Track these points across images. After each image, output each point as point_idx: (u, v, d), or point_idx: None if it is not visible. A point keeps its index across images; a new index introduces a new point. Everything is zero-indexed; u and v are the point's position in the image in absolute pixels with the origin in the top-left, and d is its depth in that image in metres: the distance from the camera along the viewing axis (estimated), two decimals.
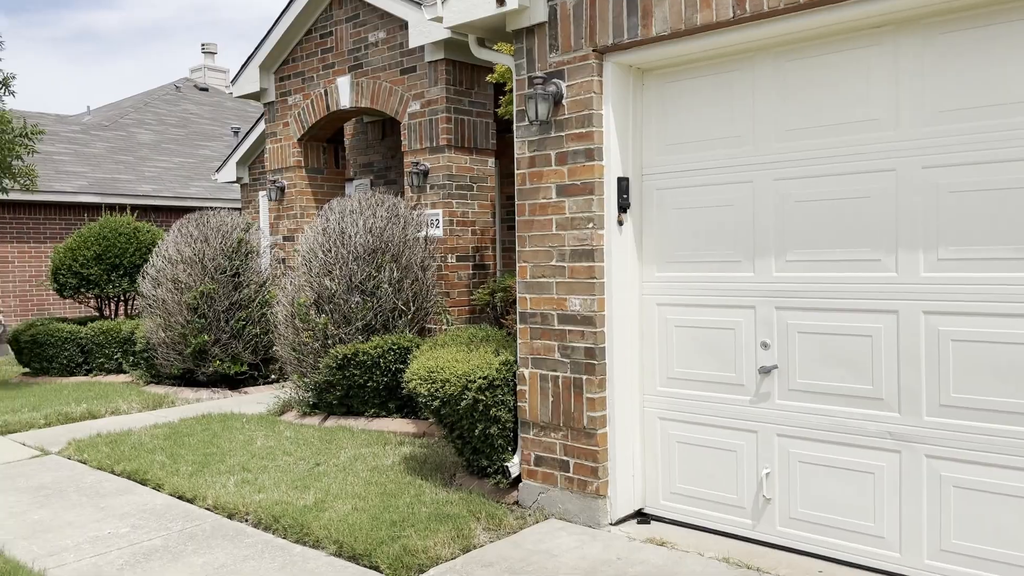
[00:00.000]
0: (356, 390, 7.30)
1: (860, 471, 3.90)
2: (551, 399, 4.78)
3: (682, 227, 4.53)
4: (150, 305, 9.32)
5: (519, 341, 4.98)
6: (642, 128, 4.70)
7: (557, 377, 4.75)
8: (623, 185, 4.61)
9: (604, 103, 4.57)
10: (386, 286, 7.44)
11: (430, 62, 8.46)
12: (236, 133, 20.62)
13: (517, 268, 4.98)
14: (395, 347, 7.18)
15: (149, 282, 9.36)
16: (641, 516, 4.74)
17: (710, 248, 4.43)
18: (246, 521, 4.89)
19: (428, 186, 8.52)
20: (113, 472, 6.01)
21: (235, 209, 19.18)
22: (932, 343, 3.67)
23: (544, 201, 4.79)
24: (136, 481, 5.78)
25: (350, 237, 7.50)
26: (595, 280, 4.56)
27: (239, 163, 13.94)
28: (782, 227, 4.13)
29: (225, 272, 9.21)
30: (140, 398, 8.81)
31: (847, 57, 3.89)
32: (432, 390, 5.04)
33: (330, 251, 7.50)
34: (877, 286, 3.81)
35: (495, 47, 5.24)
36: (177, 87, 25.27)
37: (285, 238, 10.28)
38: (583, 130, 4.57)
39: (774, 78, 4.14)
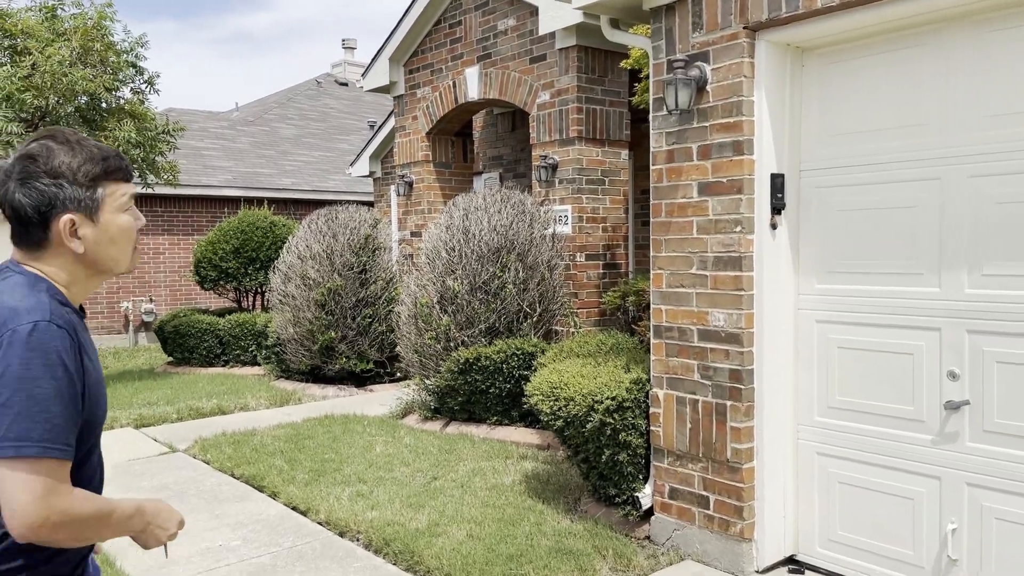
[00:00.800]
0: (478, 396, 6.96)
1: None
2: (689, 426, 4.22)
3: (848, 232, 3.85)
4: (280, 300, 9.36)
5: (652, 358, 4.44)
6: (800, 117, 4.05)
7: (696, 401, 4.18)
8: (777, 183, 3.98)
9: (756, 88, 3.95)
10: (510, 287, 7.05)
11: (560, 49, 7.98)
12: (372, 127, 20.88)
13: (651, 275, 4.44)
14: (519, 352, 6.78)
15: (279, 277, 9.40)
16: (793, 564, 4.12)
17: (884, 257, 3.74)
18: (357, 541, 4.61)
19: (557, 180, 8.06)
20: (233, 475, 5.93)
21: (368, 203, 19.45)
22: None
23: (683, 201, 4.22)
24: (254, 487, 5.66)
25: (474, 235, 7.15)
26: (742, 292, 3.96)
27: (372, 157, 13.98)
28: (978, 234, 3.40)
29: (352, 268, 9.11)
30: (268, 394, 8.85)
31: None
32: (555, 408, 4.59)
33: (453, 249, 7.19)
34: None
35: (630, 29, 4.71)
36: (318, 82, 25.97)
37: (413, 234, 10.10)
38: (730, 119, 3.97)
39: (972, 53, 3.40)
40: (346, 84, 26.74)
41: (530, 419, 6.94)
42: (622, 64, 6.80)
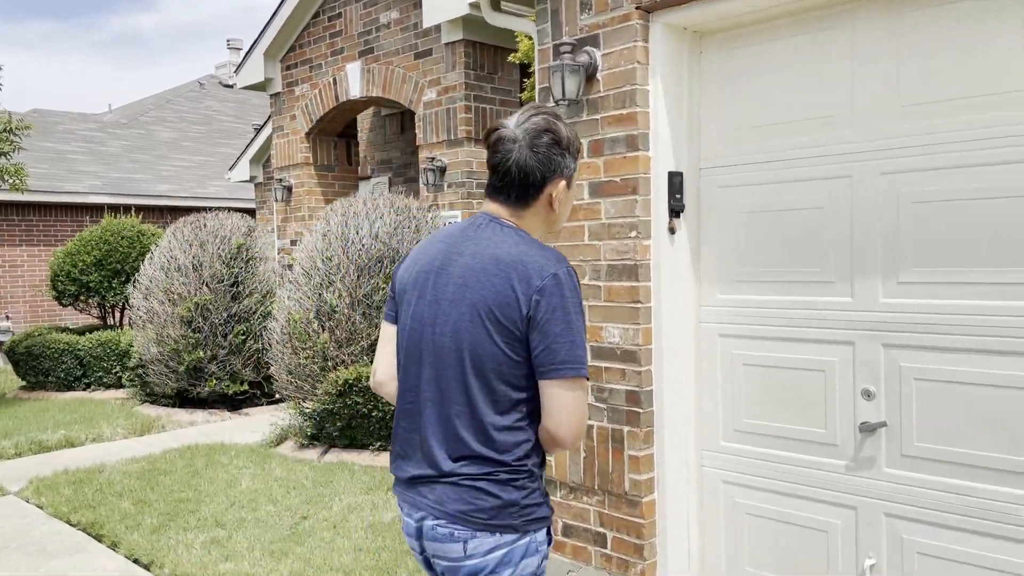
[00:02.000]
0: (360, 420, 6.35)
1: (1012, 573, 2.83)
2: (583, 455, 3.76)
3: (753, 236, 3.48)
4: (143, 317, 8.47)
5: None
6: (699, 109, 3.66)
7: (591, 427, 3.73)
8: (675, 182, 3.58)
9: (650, 76, 3.53)
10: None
11: (447, 44, 7.48)
12: (258, 130, 19.88)
13: None
14: None
15: (140, 292, 8.51)
16: None
17: (792, 264, 3.38)
18: None
19: (446, 184, 7.55)
20: (69, 522, 5.12)
21: (251, 210, 18.46)
22: None
23: (574, 202, 3.76)
24: (92, 536, 4.88)
25: (354, 243, 6.54)
26: (639, 304, 3.53)
27: (253, 160, 13.13)
28: (894, 237, 3.06)
29: (223, 281, 8.32)
30: (128, 421, 7.96)
31: (999, 4, 2.80)
32: None
33: (331, 259, 6.56)
34: None
35: (516, 11, 4.24)
36: (201, 84, 24.64)
37: (293, 242, 9.38)
38: (623, 111, 3.54)
39: (884, 37, 3.07)
40: (231, 86, 25.46)
41: None
42: (511, 58, 6.36)
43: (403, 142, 10.74)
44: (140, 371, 8.87)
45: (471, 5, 6.94)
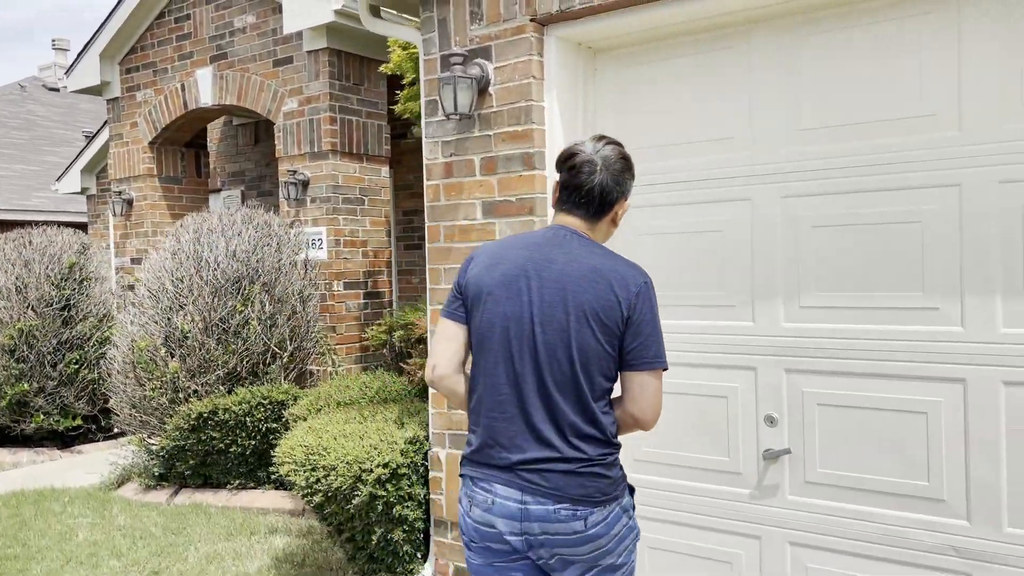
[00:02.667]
0: (216, 457, 5.81)
1: None
2: None
3: (653, 259, 3.38)
4: None
5: (432, 410, 3.70)
6: (594, 127, 3.53)
7: None
8: None
9: (546, 92, 3.38)
10: (255, 323, 5.99)
11: (310, 52, 7.08)
12: (88, 137, 18.37)
13: (429, 311, 3.71)
14: (266, 401, 5.74)
15: None
16: None
17: (693, 288, 3.30)
18: None
19: (309, 199, 7.11)
20: None
21: (82, 225, 17.03)
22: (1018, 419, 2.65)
23: (466, 223, 3.54)
24: None
25: (208, 263, 6.01)
26: None
27: (85, 171, 12.04)
28: (794, 261, 3.04)
29: (52, 304, 7.47)
30: None
31: (897, 29, 2.83)
32: (312, 481, 3.69)
33: (182, 280, 5.99)
34: (937, 344, 2.76)
35: (397, 19, 3.97)
36: (22, 87, 22.58)
37: (134, 260, 8.59)
38: (519, 128, 3.36)
39: (780, 59, 3.06)
40: (58, 90, 23.50)
41: (281, 479, 5.91)
42: (381, 69, 6.07)
43: (257, 153, 10.14)
44: None
45: (337, 12, 6.61)
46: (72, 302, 7.57)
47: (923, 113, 2.76)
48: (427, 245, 3.69)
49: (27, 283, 7.35)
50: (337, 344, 6.94)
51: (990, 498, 2.67)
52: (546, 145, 3.36)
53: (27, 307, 7.32)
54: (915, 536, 2.82)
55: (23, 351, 7.28)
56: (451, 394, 2.17)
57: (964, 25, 2.69)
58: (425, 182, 3.68)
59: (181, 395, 5.90)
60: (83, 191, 12.12)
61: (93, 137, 11.89)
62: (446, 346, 2.14)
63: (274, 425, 5.74)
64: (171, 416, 5.87)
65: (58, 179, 12.46)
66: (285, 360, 6.23)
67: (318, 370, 6.81)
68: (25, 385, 7.22)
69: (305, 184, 7.12)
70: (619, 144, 2.13)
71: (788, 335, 3.05)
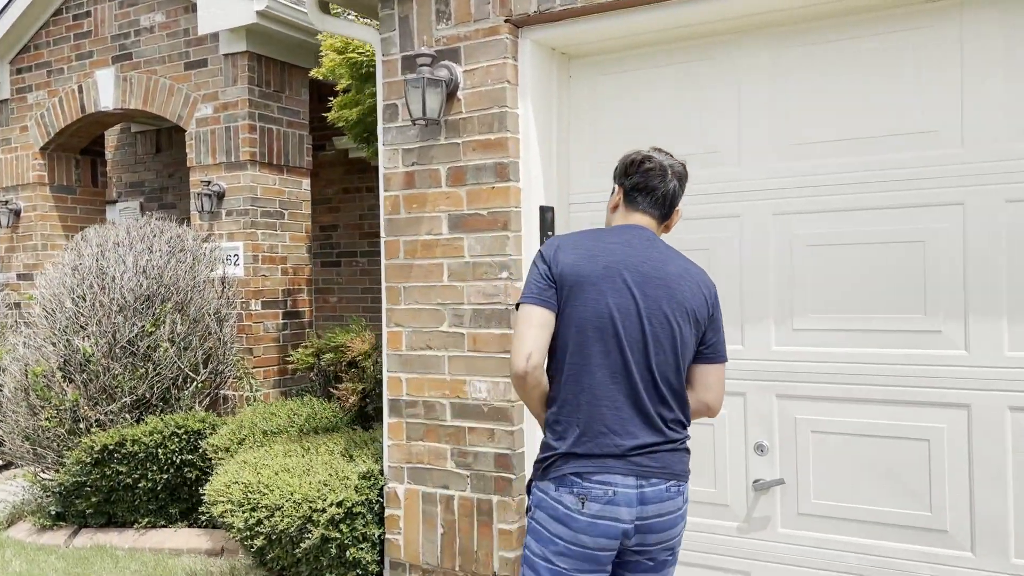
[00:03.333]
0: (122, 493, 5.25)
1: None
2: (441, 530, 3.23)
3: None
4: None
5: (389, 442, 3.39)
6: (569, 137, 3.34)
7: (451, 498, 3.21)
8: (548, 218, 3.21)
9: (520, 99, 3.15)
10: (166, 346, 5.48)
11: (227, 55, 6.63)
12: None
13: (386, 334, 3.40)
14: (180, 431, 5.24)
15: None
16: None
17: None
18: None
19: (224, 212, 6.63)
20: None
21: None
22: None
23: (430, 238, 3.27)
24: None
25: (114, 279, 5.46)
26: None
27: None
28: (787, 281, 2.91)
29: None
30: None
31: (897, 40, 2.75)
32: (251, 522, 3.30)
33: (84, 299, 5.42)
34: (940, 368, 2.67)
35: (344, 16, 3.67)
36: None
37: (20, 276, 7.83)
38: (491, 136, 3.12)
39: (770, 69, 2.94)
40: None
41: (196, 516, 5.40)
42: (312, 74, 5.70)
43: (159, 163, 9.51)
44: None
45: (260, 14, 6.21)
46: None
47: (925, 129, 2.69)
48: (384, 261, 3.39)
49: None
50: (254, 367, 6.47)
51: (996, 528, 2.58)
52: (520, 155, 3.13)
53: None
54: (915, 569, 2.71)
55: None
56: (537, 386, 2.12)
57: (966, 46, 2.63)
58: (382, 192, 3.39)
59: (82, 425, 5.32)
60: None
61: None
62: (538, 333, 2.08)
63: (189, 457, 5.24)
64: (70, 449, 5.29)
65: None
66: (198, 384, 5.73)
67: (234, 395, 6.32)
68: None
69: (220, 196, 6.64)
70: (674, 155, 2.29)
71: (779, 359, 2.91)
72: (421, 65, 3.09)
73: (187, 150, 6.86)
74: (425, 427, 3.27)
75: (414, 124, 3.19)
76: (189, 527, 5.33)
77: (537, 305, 2.09)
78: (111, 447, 5.09)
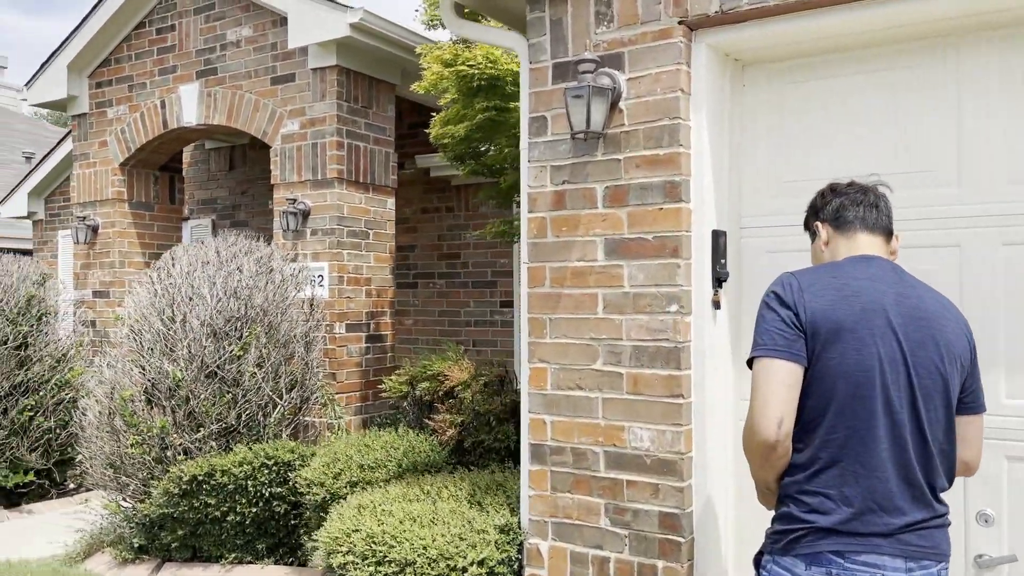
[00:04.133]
0: (209, 526, 4.97)
1: None
2: None
3: None
4: None
5: (530, 492, 3.03)
6: (741, 153, 2.97)
7: (606, 560, 2.84)
8: (720, 243, 2.85)
9: (694, 110, 2.80)
10: (254, 371, 5.21)
11: (316, 69, 6.41)
12: (29, 159, 17.19)
13: (528, 369, 3.06)
14: (270, 462, 4.95)
15: None
16: None
17: None
18: None
19: (309, 231, 6.39)
20: None
21: (24, 252, 15.85)
22: None
23: (581, 264, 2.92)
24: None
25: (205, 300, 5.22)
26: (680, 400, 2.72)
27: (32, 194, 11.00)
28: (1021, 324, 2.50)
29: (7, 343, 6.52)
30: None
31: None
32: None
33: (174, 320, 5.18)
34: None
35: (484, 20, 3.37)
36: None
37: (97, 294, 7.68)
38: (660, 151, 2.77)
39: (1003, 74, 2.55)
40: None
41: (283, 551, 5.10)
42: (412, 88, 5.43)
43: (231, 180, 9.36)
44: None
45: (353, 27, 5.98)
46: (29, 341, 6.63)
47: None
48: (526, 290, 3.05)
49: None
50: (337, 392, 6.19)
51: None
52: (691, 173, 2.78)
53: None
54: None
55: None
56: (785, 455, 1.82)
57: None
58: (525, 214, 3.06)
59: (169, 453, 5.06)
60: (29, 216, 11.08)
61: (44, 158, 10.90)
62: (787, 394, 1.78)
63: (278, 490, 4.94)
64: (155, 477, 5.03)
65: (1, 202, 11.37)
66: (284, 411, 5.45)
67: (317, 422, 6.04)
68: None
69: (306, 214, 6.40)
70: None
71: (1011, 414, 2.49)
72: (583, 72, 2.76)
73: (271, 167, 6.65)
74: (574, 477, 2.91)
75: (572, 138, 2.86)
76: (276, 563, 5.03)
77: (784, 359, 1.79)
78: (200, 478, 4.82)
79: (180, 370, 5.05)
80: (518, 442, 4.99)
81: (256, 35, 6.77)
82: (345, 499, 4.40)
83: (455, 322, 7.76)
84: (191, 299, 5.19)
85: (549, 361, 2.98)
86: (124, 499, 5.28)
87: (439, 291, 7.91)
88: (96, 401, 5.30)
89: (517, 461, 5.21)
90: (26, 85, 8.06)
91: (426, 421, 5.19)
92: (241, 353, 5.19)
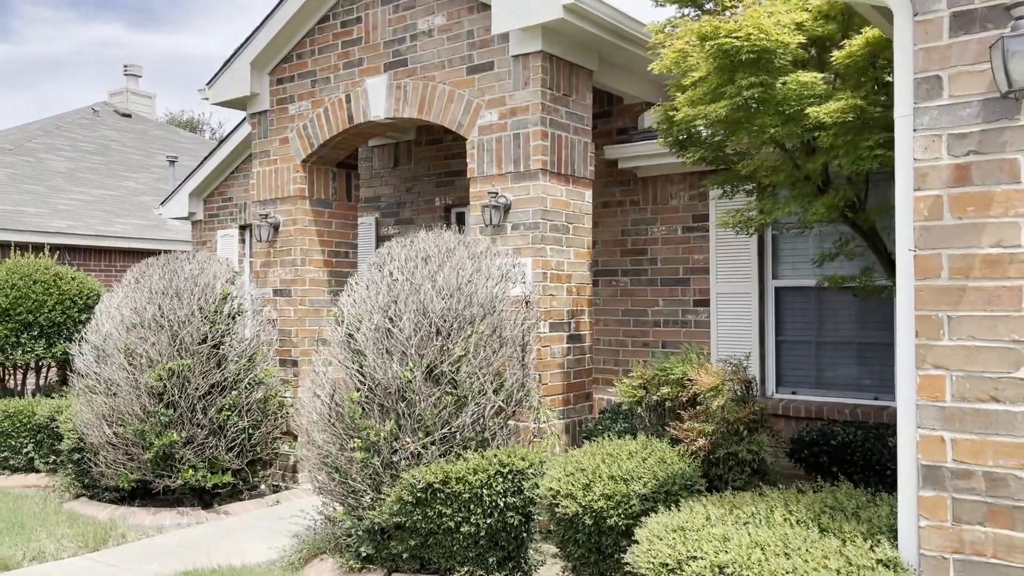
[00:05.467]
0: (441, 536, 4.70)
1: None
2: None
3: None
4: (89, 388, 6.46)
5: (921, 521, 2.57)
6: None
7: None
8: None
9: None
10: (476, 372, 4.92)
11: (517, 56, 6.11)
12: (172, 163, 17.67)
13: (915, 378, 2.60)
14: (504, 471, 4.65)
15: (90, 354, 6.52)
16: None
17: None
18: None
19: (509, 226, 6.09)
20: None
21: (177, 252, 16.26)
22: None
23: (995, 252, 2.45)
24: None
25: (431, 298, 4.96)
26: None
27: (193, 195, 11.17)
28: None
29: (206, 341, 6.47)
30: (72, 528, 5.92)
31: None
32: None
33: (400, 318, 4.94)
34: None
35: None
36: (95, 111, 22.10)
37: (277, 292, 7.60)
38: None
39: None
40: (129, 115, 23.04)
41: (512, 565, 4.78)
42: (650, 68, 5.04)
43: (396, 177, 9.19)
44: (78, 456, 6.79)
45: (566, 8, 5.62)
46: (224, 339, 6.56)
47: None
48: (913, 282, 2.60)
49: (178, 316, 6.35)
50: (543, 396, 5.85)
51: None
52: None
53: (179, 345, 6.31)
54: None
55: (173, 395, 6.26)
56: None
57: None
58: (914, 193, 2.61)
59: (395, 458, 4.82)
60: (189, 216, 11.25)
61: (204, 160, 11.04)
62: None
63: (512, 500, 4.64)
64: (382, 484, 4.79)
65: (162, 203, 11.61)
66: (504, 416, 5.15)
67: (520, 426, 5.71)
68: (174, 435, 6.18)
69: (507, 208, 6.10)
70: None
71: None
72: (1019, 18, 2.29)
73: (468, 160, 6.38)
74: (988, 508, 2.44)
75: (983, 101, 2.39)
76: None
77: None
78: (436, 485, 4.56)
79: (408, 371, 4.80)
80: (762, 455, 4.53)
81: (450, 23, 6.52)
82: (600, 513, 4.06)
83: (640, 322, 7.34)
84: (416, 296, 4.94)
85: (948, 367, 2.52)
86: (356, 508, 5.03)
87: (623, 289, 7.50)
88: (319, 402, 5.11)
89: (763, 476, 4.77)
90: (207, 84, 8.06)
91: (667, 429, 4.78)
92: (463, 353, 4.90)
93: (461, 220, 8.88)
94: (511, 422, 5.54)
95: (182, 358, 6.28)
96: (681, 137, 5.31)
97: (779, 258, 6.70)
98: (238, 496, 6.84)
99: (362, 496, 4.87)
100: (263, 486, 7.05)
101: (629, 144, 7.07)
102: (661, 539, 2.97)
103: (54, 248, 13.96)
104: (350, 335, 5.09)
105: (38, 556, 5.39)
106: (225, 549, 5.51)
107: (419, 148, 8.97)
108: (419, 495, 4.59)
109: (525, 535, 4.81)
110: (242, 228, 10.91)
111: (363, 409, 4.86)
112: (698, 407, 4.67)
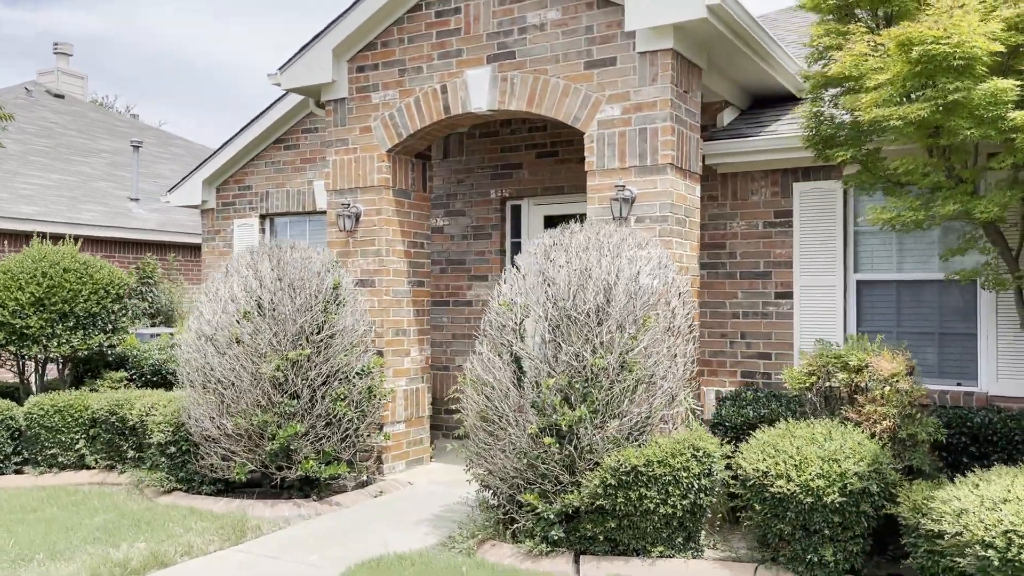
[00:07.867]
0: (637, 519, 4.85)
1: None
2: None
3: None
4: (197, 379, 6.23)
5: None
6: None
7: None
8: None
9: None
10: (661, 360, 5.09)
11: (644, 53, 6.29)
12: (137, 148, 16.92)
13: None
14: (699, 454, 4.85)
15: (196, 343, 6.29)
16: None
17: None
18: None
19: (633, 218, 6.27)
20: None
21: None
22: None
23: None
24: None
25: (610, 285, 5.10)
26: None
27: (207, 182, 10.80)
28: None
29: (320, 331, 6.36)
30: (202, 522, 5.72)
31: None
32: None
33: (603, 307, 5.04)
34: None
35: None
36: (28, 90, 20.87)
37: (360, 283, 7.50)
38: None
39: None
40: (62, 96, 21.83)
41: (693, 546, 4.97)
42: (828, 72, 5.29)
43: (446, 169, 9.19)
44: (173, 449, 6.53)
45: (709, 9, 5.83)
46: (335, 329, 6.46)
47: None
48: None
49: (294, 305, 6.22)
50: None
51: None
52: None
53: (299, 335, 6.18)
54: None
55: (295, 385, 6.12)
56: None
57: None
58: None
59: (585, 444, 4.92)
60: (201, 204, 10.87)
61: (220, 148, 10.68)
62: None
63: (705, 482, 4.84)
64: (576, 470, 4.89)
65: (170, 190, 11.15)
66: (680, 402, 5.34)
67: (672, 413, 5.90)
68: (298, 425, 6.06)
69: (631, 201, 6.27)
70: None
71: None
72: None
73: (586, 153, 6.51)
74: None
75: None
76: (695, 558, 4.93)
77: None
78: (640, 469, 4.72)
79: (600, 358, 4.92)
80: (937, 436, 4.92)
81: (566, 18, 6.62)
82: (817, 491, 4.30)
83: (718, 313, 7.63)
84: (606, 284, 5.06)
85: None
86: (543, 494, 5.05)
87: (701, 282, 7.78)
88: (498, 392, 5.15)
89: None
90: (279, 70, 7.84)
91: (839, 413, 5.07)
92: (649, 342, 5.06)
93: (517, 213, 8.97)
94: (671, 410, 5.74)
95: (302, 348, 6.15)
96: (829, 132, 5.62)
97: (860, 253, 7.12)
98: (342, 488, 6.74)
99: (555, 481, 4.95)
100: (364, 476, 6.96)
101: (715, 142, 7.35)
102: (987, 510, 3.23)
103: (19, 235, 13.19)
104: (535, 321, 5.16)
105: (188, 551, 5.20)
106: (368, 539, 5.45)
107: (472, 140, 9.00)
108: (622, 478, 4.73)
109: (704, 517, 5.01)
110: (262, 217, 10.64)
111: (563, 396, 4.94)
112: (872, 392, 4.98)
